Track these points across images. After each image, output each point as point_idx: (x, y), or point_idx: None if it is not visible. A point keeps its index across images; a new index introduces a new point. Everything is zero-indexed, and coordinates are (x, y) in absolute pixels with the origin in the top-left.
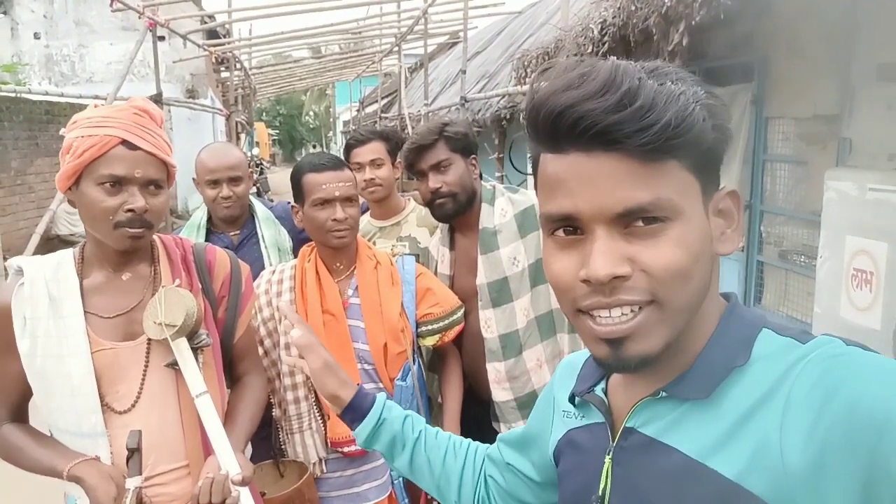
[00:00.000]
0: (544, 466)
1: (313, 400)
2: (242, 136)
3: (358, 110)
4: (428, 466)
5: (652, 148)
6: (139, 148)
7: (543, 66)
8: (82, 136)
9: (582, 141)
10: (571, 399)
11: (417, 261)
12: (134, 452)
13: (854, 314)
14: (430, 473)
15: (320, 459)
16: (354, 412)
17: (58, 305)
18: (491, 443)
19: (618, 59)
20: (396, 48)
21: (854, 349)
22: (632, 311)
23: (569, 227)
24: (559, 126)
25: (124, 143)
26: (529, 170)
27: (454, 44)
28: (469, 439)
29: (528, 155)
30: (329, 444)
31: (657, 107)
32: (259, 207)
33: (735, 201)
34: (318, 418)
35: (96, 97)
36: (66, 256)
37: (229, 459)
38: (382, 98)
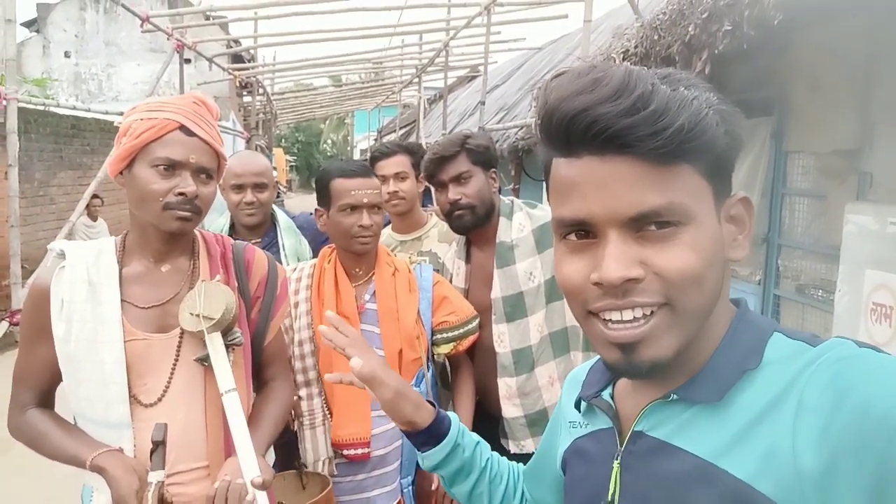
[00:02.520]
0: (559, 487)
1: (324, 397)
2: None
3: (376, 139)
4: (488, 498)
5: (665, 152)
6: (195, 135)
7: (557, 72)
8: (141, 119)
9: (595, 144)
10: (577, 405)
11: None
12: (158, 445)
13: None
14: None
15: (329, 459)
16: (429, 436)
17: (96, 291)
18: None
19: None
20: (416, 79)
21: (866, 351)
22: (644, 314)
23: (581, 231)
24: (572, 130)
25: (182, 128)
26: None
27: (474, 77)
28: (520, 466)
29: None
30: (337, 446)
31: (670, 111)
32: (281, 216)
33: (747, 207)
34: (330, 417)
35: (121, 114)
36: (108, 244)
37: (250, 461)
38: (401, 128)
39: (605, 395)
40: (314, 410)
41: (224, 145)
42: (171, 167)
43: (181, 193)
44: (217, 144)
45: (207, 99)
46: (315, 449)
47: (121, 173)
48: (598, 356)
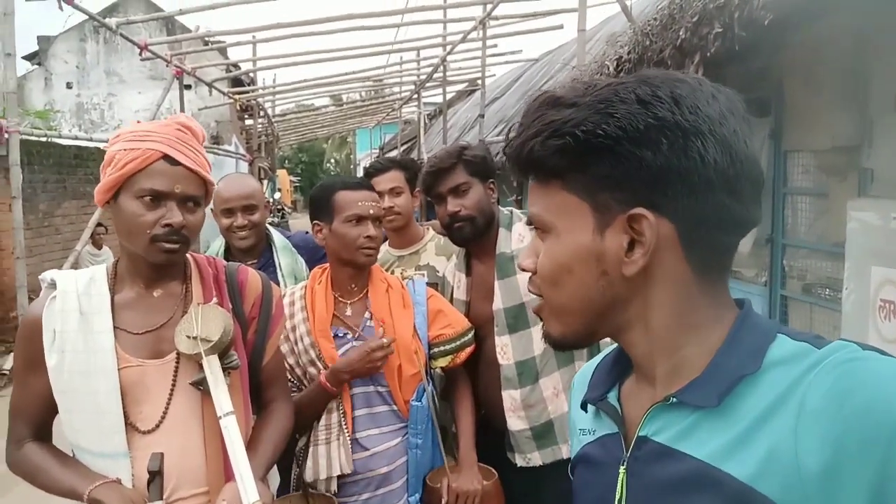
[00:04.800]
0: None
1: (343, 412)
2: (265, 181)
3: (378, 157)
4: None
5: (531, 174)
6: (180, 164)
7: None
8: (125, 150)
9: None
10: (584, 407)
11: (436, 290)
12: (155, 476)
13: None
14: None
15: (333, 477)
16: None
17: (88, 320)
18: (503, 472)
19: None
20: (416, 95)
21: (870, 353)
22: (539, 298)
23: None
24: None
25: (166, 157)
26: None
27: (472, 91)
28: None
29: None
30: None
31: (519, 143)
32: (276, 236)
33: (637, 224)
34: (346, 432)
35: None
36: (100, 272)
37: (250, 485)
38: (402, 144)
39: (612, 398)
40: (331, 425)
41: (212, 169)
42: (157, 198)
43: (167, 225)
44: (203, 171)
45: (192, 123)
46: (329, 464)
47: (108, 202)
48: (604, 351)
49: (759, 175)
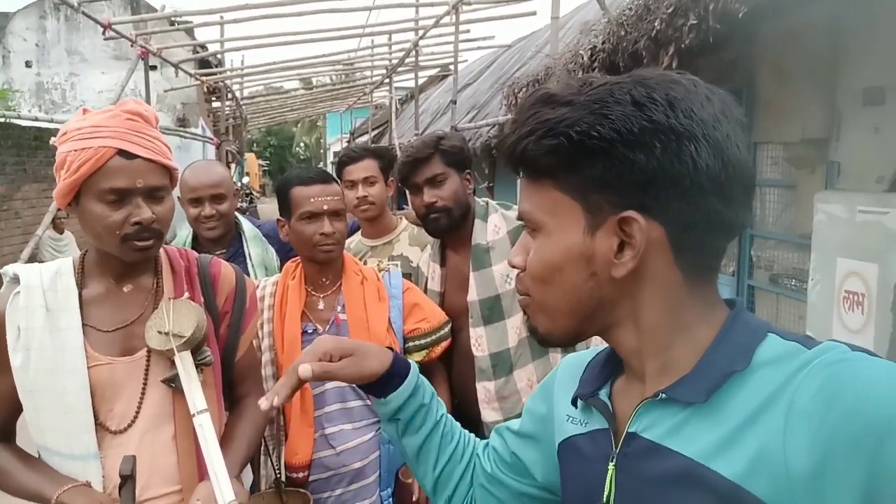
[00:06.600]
0: (546, 464)
1: (284, 421)
2: (233, 165)
3: (349, 141)
4: (436, 456)
5: (522, 171)
6: (137, 156)
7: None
8: (75, 150)
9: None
10: (574, 402)
11: (409, 280)
12: (127, 480)
13: (846, 336)
14: (435, 465)
15: (277, 481)
16: (391, 375)
17: (55, 317)
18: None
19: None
20: (387, 80)
21: (859, 354)
22: (525, 295)
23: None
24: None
25: (121, 152)
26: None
27: (444, 76)
28: (472, 436)
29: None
30: (286, 468)
31: (512, 141)
32: (246, 225)
33: (627, 226)
34: (284, 440)
35: None
36: (66, 265)
37: (225, 484)
38: (373, 129)
39: (603, 395)
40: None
41: (175, 152)
42: (120, 197)
43: (137, 222)
44: (163, 159)
45: (142, 107)
46: (267, 473)
47: (69, 205)
48: (595, 348)
49: (751, 179)
